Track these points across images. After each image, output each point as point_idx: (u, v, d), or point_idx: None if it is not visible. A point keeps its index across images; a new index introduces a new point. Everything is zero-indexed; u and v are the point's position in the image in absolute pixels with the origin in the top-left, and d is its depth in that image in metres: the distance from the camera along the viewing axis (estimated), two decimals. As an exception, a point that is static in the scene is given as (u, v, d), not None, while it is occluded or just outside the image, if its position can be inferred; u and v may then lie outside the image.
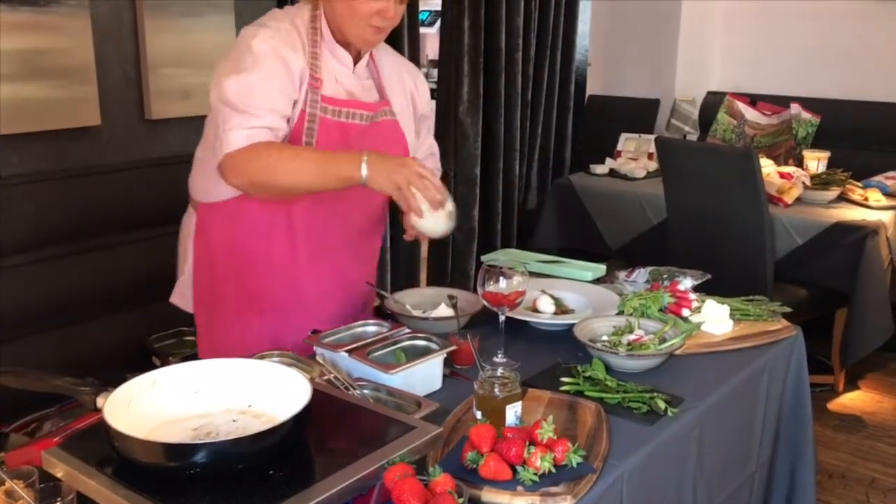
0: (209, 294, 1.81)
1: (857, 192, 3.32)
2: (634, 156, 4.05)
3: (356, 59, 1.71)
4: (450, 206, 1.56)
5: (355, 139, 1.66)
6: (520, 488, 1.18)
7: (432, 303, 1.88)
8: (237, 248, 1.73)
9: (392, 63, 1.82)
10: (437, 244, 3.81)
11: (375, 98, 1.74)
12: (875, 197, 3.26)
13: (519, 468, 1.19)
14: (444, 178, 1.96)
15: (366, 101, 1.71)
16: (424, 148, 1.91)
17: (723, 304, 1.89)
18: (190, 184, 1.82)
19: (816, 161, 3.58)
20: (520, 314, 1.78)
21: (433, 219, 1.54)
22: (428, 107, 1.89)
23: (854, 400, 3.29)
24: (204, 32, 2.77)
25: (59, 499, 1.08)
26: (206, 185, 1.72)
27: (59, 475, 1.12)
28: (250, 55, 1.57)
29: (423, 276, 3.85)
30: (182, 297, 1.89)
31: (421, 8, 3.57)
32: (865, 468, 2.79)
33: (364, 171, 1.48)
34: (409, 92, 1.82)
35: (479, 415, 1.35)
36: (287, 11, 1.68)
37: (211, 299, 1.80)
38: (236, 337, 1.75)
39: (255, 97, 1.55)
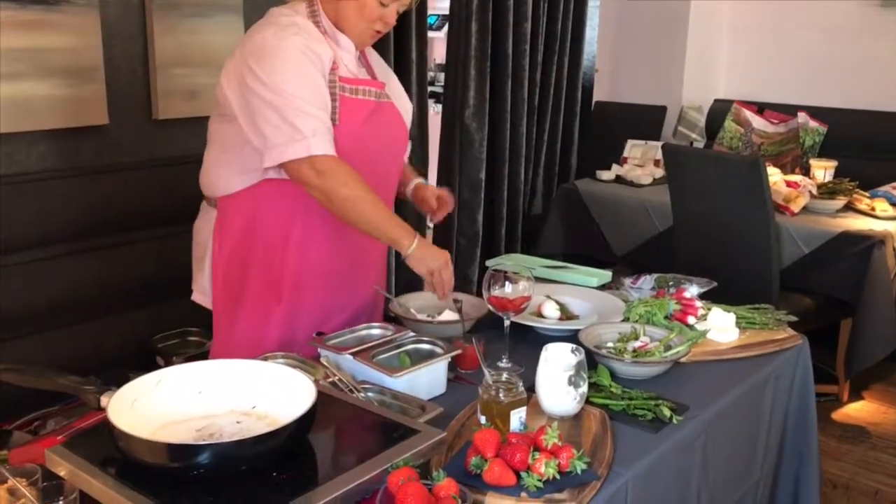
0: (230, 286, 1.81)
1: (863, 202, 3.31)
2: (640, 162, 4.04)
3: None
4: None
5: (368, 116, 1.72)
6: (524, 494, 1.17)
7: (437, 306, 1.88)
8: (257, 234, 1.75)
9: (376, 57, 1.90)
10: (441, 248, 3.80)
11: (377, 81, 1.81)
12: (882, 207, 3.25)
13: (523, 474, 1.19)
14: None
15: (372, 81, 1.79)
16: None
17: (729, 312, 1.88)
18: (204, 184, 1.83)
19: (823, 170, 3.57)
20: (525, 319, 1.78)
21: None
22: (410, 107, 1.94)
23: (858, 410, 3.27)
24: (212, 33, 2.77)
25: (61, 498, 1.08)
26: (227, 177, 1.75)
27: (62, 474, 1.12)
28: (286, 53, 1.61)
29: (427, 279, 3.84)
30: (202, 293, 1.89)
31: (429, 12, 3.57)
32: (869, 479, 2.78)
33: (412, 248, 1.65)
34: (392, 84, 1.89)
35: (483, 419, 1.34)
36: (287, 9, 1.72)
37: (232, 291, 1.80)
38: (254, 326, 1.76)
39: (310, 92, 1.61)
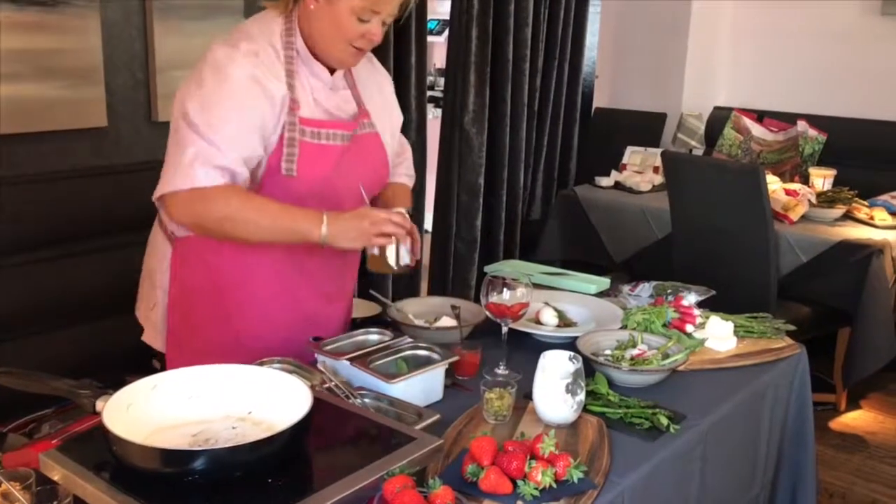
0: (185, 336, 1.68)
1: (862, 211, 3.31)
2: (640, 169, 4.04)
3: (332, 72, 1.63)
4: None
5: (336, 162, 1.60)
6: (520, 502, 1.17)
7: (434, 312, 1.87)
8: (216, 285, 1.63)
9: (367, 69, 1.74)
10: (439, 253, 3.80)
11: (353, 110, 1.67)
12: (881, 216, 3.25)
13: (519, 482, 1.18)
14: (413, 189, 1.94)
15: (344, 120, 1.63)
16: (402, 154, 1.88)
17: (727, 320, 1.88)
18: (166, 219, 1.66)
19: (822, 179, 3.57)
20: (523, 326, 1.77)
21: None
22: (399, 112, 1.82)
23: (856, 419, 3.27)
24: (213, 36, 2.73)
25: (55, 502, 1.07)
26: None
27: (56, 478, 1.11)
28: (227, 82, 1.48)
29: (424, 285, 3.84)
30: (154, 331, 1.75)
31: (429, 17, 3.57)
32: (866, 489, 2.77)
33: (324, 230, 1.46)
34: (386, 98, 1.77)
35: (376, 251, 1.51)
36: (261, 27, 1.57)
37: (187, 341, 1.68)
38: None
39: (225, 129, 1.46)
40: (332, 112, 1.62)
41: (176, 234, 1.66)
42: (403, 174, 1.89)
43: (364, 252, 1.60)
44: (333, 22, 1.51)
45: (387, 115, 1.76)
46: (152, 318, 1.74)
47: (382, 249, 1.52)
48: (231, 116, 1.47)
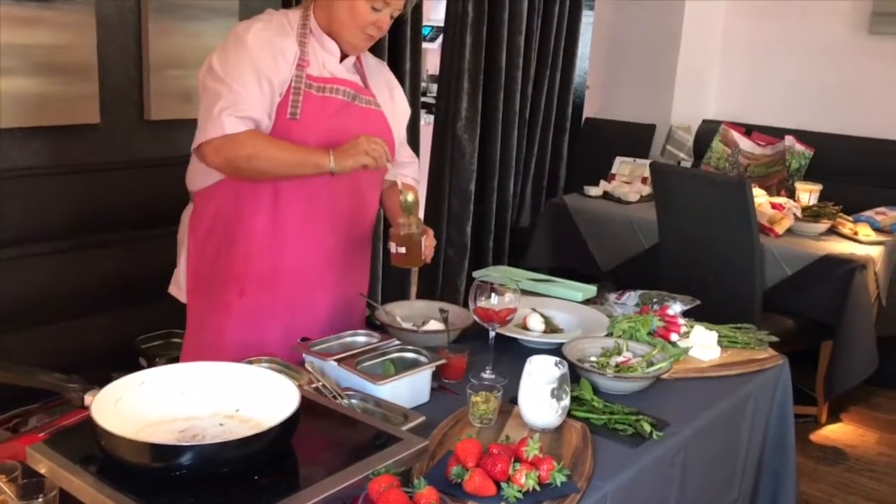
0: (199, 280, 1.83)
1: (847, 226, 3.35)
2: (628, 179, 4.07)
3: (343, 57, 1.80)
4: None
5: (336, 113, 1.74)
6: (503, 504, 1.18)
7: (422, 316, 1.89)
8: (224, 227, 1.77)
9: (375, 66, 1.92)
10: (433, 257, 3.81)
11: (360, 86, 1.83)
12: (865, 231, 3.29)
13: (503, 484, 1.20)
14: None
15: (350, 81, 1.80)
16: (404, 154, 1.98)
17: (711, 330, 1.90)
18: (187, 179, 1.86)
19: (808, 193, 3.61)
20: (510, 331, 1.79)
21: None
22: (407, 106, 1.97)
23: (836, 432, 3.30)
24: (208, 36, 2.78)
25: (41, 495, 1.08)
26: (202, 171, 1.77)
27: (42, 471, 1.11)
28: (245, 44, 1.68)
29: (413, 289, 3.85)
30: (177, 286, 1.91)
31: (423, 23, 3.59)
32: (846, 501, 2.80)
33: (333, 158, 1.66)
34: (393, 94, 1.92)
35: (402, 250, 1.70)
36: (279, 11, 1.80)
37: (201, 285, 1.83)
38: (218, 322, 1.77)
39: (246, 81, 1.65)
40: (339, 77, 1.79)
41: (195, 190, 1.82)
42: (410, 176, 2.00)
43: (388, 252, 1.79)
44: (350, 9, 1.71)
45: (392, 102, 1.90)
46: (177, 270, 1.92)
47: (407, 247, 1.72)
48: (250, 72, 1.66)
